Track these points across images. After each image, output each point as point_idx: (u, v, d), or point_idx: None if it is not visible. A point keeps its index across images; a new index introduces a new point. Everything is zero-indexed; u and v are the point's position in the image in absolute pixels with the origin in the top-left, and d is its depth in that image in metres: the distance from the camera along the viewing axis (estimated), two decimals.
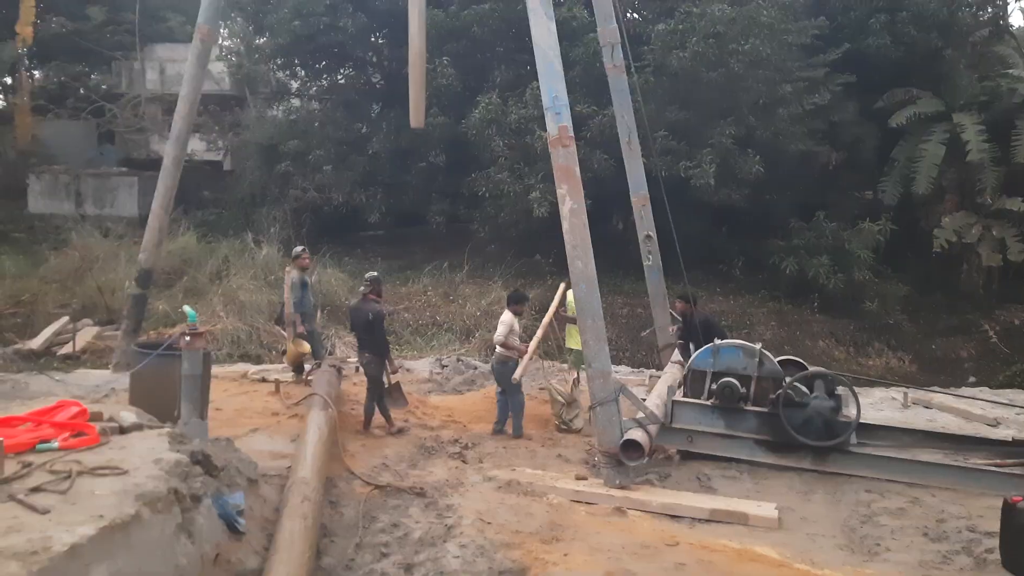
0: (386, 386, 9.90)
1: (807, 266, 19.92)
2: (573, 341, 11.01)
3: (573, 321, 10.46)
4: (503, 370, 9.84)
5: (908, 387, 12.95)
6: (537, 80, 9.51)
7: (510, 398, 9.96)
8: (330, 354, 13.50)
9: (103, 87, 30.41)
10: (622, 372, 13.58)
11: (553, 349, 12.04)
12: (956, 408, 11.59)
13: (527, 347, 9.95)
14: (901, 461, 8.50)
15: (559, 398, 10.21)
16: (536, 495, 7.68)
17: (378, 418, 9.72)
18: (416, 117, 11.27)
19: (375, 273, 10.30)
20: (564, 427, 10.24)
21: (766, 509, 7.36)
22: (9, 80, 30.62)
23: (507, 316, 9.96)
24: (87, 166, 28.23)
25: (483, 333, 17.80)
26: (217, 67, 25.64)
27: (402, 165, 23.12)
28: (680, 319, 11.92)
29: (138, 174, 27.11)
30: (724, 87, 19.56)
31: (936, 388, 13.53)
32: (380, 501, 7.38)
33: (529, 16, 8.33)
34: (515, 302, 10.25)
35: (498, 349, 9.98)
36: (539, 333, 10.40)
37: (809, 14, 21.72)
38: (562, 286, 10.92)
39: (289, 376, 11.66)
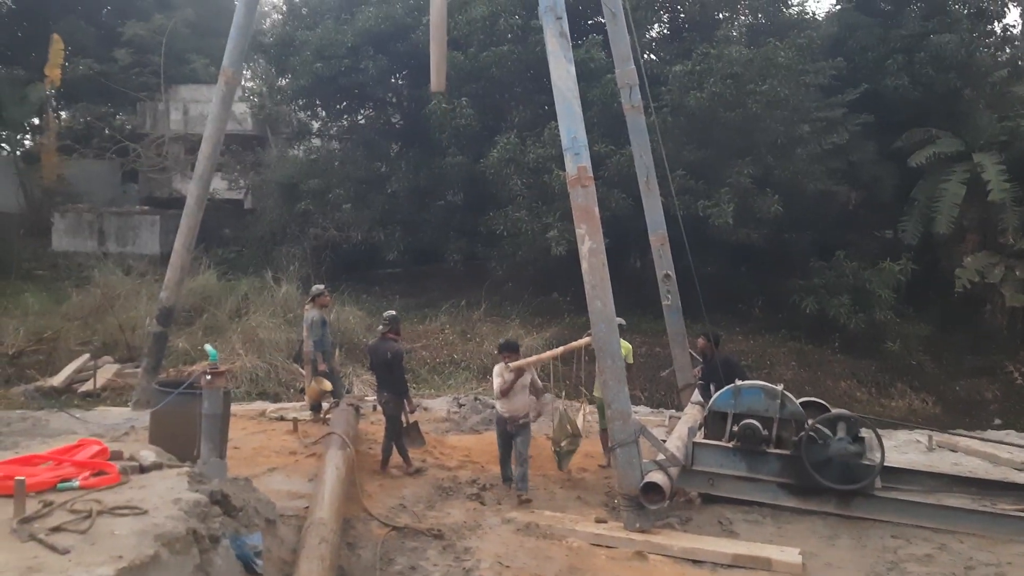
0: (404, 425, 9.86)
1: (827, 306, 19.78)
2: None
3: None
4: (523, 432, 9.05)
5: (932, 430, 12.74)
6: (555, 120, 9.59)
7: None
8: (348, 392, 13.48)
9: (128, 127, 30.91)
10: (641, 412, 13.47)
11: (571, 389, 11.97)
12: (982, 452, 11.39)
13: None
14: (927, 506, 8.35)
15: (567, 426, 9.40)
16: (555, 538, 7.59)
17: (396, 458, 9.67)
18: (437, 81, 11.17)
19: (393, 312, 10.30)
20: (555, 452, 9.55)
21: (790, 554, 7.23)
22: (37, 120, 31.16)
23: (498, 367, 9.23)
24: (110, 204, 28.61)
25: None
26: (240, 108, 26.07)
27: (420, 203, 23.30)
28: (701, 358, 11.84)
29: (160, 212, 27.44)
30: (742, 127, 19.63)
31: (961, 431, 13.31)
32: (398, 543, 7.32)
33: (548, 59, 8.42)
34: (506, 351, 9.28)
35: (499, 408, 9.14)
36: (546, 354, 10.08)
37: (826, 55, 21.86)
38: (589, 338, 9.42)
39: (307, 415, 11.64)
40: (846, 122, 21.75)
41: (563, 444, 9.33)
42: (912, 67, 22.06)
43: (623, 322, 9.91)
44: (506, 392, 9.01)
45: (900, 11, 24.09)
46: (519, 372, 9.02)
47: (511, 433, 9.07)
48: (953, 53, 21.86)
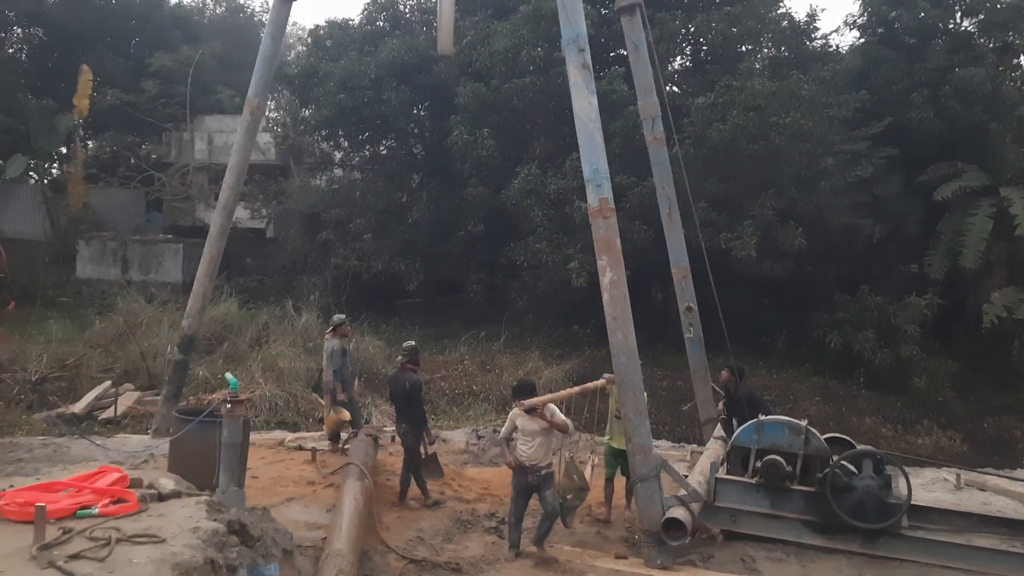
0: (423, 457, 9.78)
1: (852, 340, 19.56)
2: (618, 440, 9.16)
3: (617, 416, 8.94)
4: (548, 483, 8.12)
5: (960, 468, 12.48)
6: (576, 151, 9.62)
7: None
8: (367, 423, 13.43)
9: (153, 156, 31.40)
10: (663, 447, 13.29)
11: (592, 422, 11.83)
12: (1012, 491, 11.12)
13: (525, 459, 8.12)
14: (956, 546, 8.15)
15: (573, 477, 8.43)
16: (574, 574, 7.48)
17: (414, 489, 9.59)
18: (444, 43, 11.01)
19: (413, 342, 10.28)
20: (559, 504, 8.39)
21: None
22: (64, 149, 31.72)
23: (512, 412, 8.36)
24: (134, 233, 28.97)
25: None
26: (263, 138, 26.41)
27: (441, 234, 23.38)
28: (723, 392, 11.70)
29: (183, 241, 27.73)
30: (765, 159, 19.58)
31: (990, 469, 13.04)
32: None
33: (571, 90, 8.45)
34: (520, 396, 8.29)
35: (519, 456, 8.10)
36: (561, 392, 9.17)
37: (850, 88, 21.86)
38: (604, 380, 9.16)
39: (326, 445, 11.60)
40: (870, 155, 21.66)
41: (568, 497, 8.33)
42: (937, 101, 22.00)
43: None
44: (510, 438, 8.23)
45: (925, 45, 24.05)
46: (536, 412, 8.06)
47: (533, 485, 8.02)
48: (979, 87, 21.77)
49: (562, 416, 8.24)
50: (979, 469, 12.76)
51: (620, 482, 9.37)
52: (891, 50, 24.00)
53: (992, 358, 22.07)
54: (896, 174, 22.26)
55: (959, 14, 24.95)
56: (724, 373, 11.56)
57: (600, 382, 9.29)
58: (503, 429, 8.48)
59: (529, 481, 8.01)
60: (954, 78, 22.11)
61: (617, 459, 9.19)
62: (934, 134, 22.16)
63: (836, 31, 79.88)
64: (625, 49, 12.89)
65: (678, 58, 24.25)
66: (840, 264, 22.03)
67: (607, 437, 9.60)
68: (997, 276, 21.97)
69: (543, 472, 8.04)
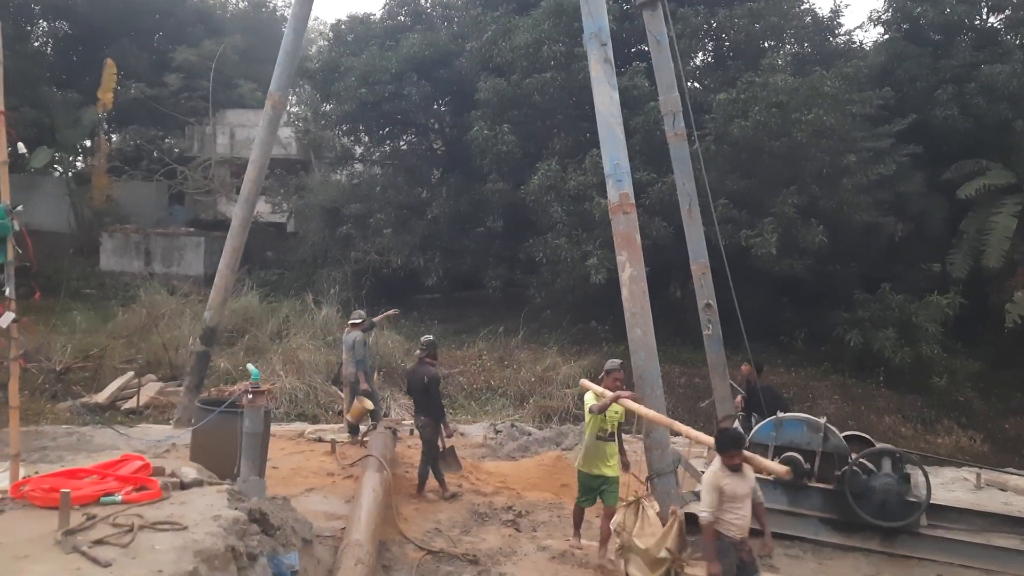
0: (441, 450, 9.84)
1: (872, 339, 19.39)
2: (596, 463, 7.96)
3: (600, 437, 7.86)
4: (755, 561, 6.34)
5: (981, 467, 12.39)
6: (596, 147, 9.61)
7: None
8: (385, 416, 13.52)
9: (176, 150, 31.62)
10: (680, 443, 13.28)
11: None
12: None
13: None
14: (975, 545, 8.12)
15: (668, 540, 6.65)
16: (591, 567, 7.49)
17: (432, 482, 9.65)
18: None
19: (431, 337, 10.33)
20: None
21: None
22: (89, 143, 32.04)
23: (714, 471, 6.13)
24: (157, 226, 29.23)
25: (537, 399, 17.69)
26: (285, 132, 26.50)
27: (460, 230, 23.42)
28: (741, 389, 11.67)
29: (205, 234, 27.95)
30: (787, 156, 19.45)
31: (1011, 469, 12.92)
32: (433, 567, 7.29)
33: (592, 85, 8.45)
34: (731, 446, 6.15)
35: (731, 527, 6.03)
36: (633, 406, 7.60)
37: (874, 84, 21.64)
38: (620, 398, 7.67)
39: (345, 436, 11.69)
40: (894, 153, 21.45)
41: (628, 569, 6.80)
42: (962, 97, 21.74)
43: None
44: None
45: (950, 41, 23.77)
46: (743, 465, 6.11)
47: (750, 567, 6.14)
48: (1005, 84, 21.48)
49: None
50: (1001, 469, 12.66)
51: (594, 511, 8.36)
52: (916, 46, 23.75)
53: (1014, 358, 21.81)
54: (919, 172, 22.04)
55: (985, 10, 24.64)
56: (744, 367, 11.54)
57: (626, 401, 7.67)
58: (706, 502, 6.04)
59: (744, 559, 6.07)
60: (979, 75, 21.84)
61: (593, 485, 7.93)
62: (958, 131, 21.90)
63: (860, 27, 78.10)
64: (646, 45, 12.84)
65: (700, 54, 24.13)
66: (861, 262, 21.84)
67: (580, 463, 8.10)
68: (1020, 275, 21.66)
69: (748, 546, 6.18)
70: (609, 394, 7.60)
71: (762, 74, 19.79)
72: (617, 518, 7.29)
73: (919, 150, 21.71)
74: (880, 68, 23.38)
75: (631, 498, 7.30)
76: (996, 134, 22.20)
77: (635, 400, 7.60)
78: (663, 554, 6.50)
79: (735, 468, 6.03)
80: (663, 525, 6.75)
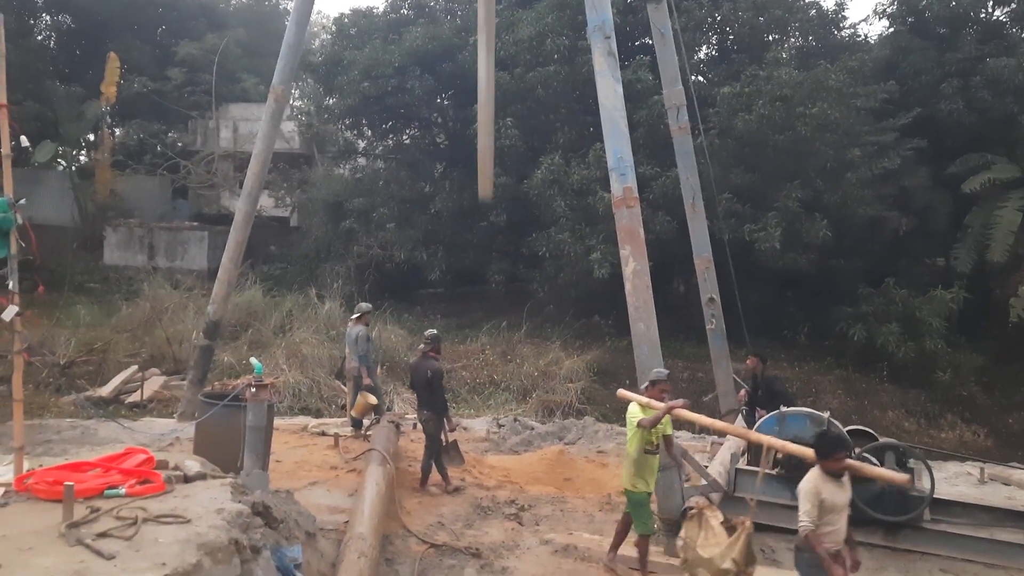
0: (444, 444, 9.85)
1: (876, 334, 19.35)
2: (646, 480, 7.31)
3: (649, 450, 7.23)
4: None
5: (985, 462, 12.36)
6: (600, 141, 9.60)
7: None
8: (388, 410, 13.54)
9: (179, 144, 31.67)
10: (683, 437, 13.28)
11: (610, 413, 11.83)
12: None
13: None
14: (979, 540, 8.09)
15: (701, 556, 6.38)
16: (594, 561, 7.50)
17: (435, 476, 9.66)
18: (484, 188, 11.29)
19: (435, 331, 10.34)
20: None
21: None
22: (92, 137, 32.06)
23: (813, 479, 5.58)
24: (160, 220, 29.28)
25: (540, 393, 17.70)
26: (288, 126, 26.55)
27: (464, 224, 23.41)
28: (744, 384, 11.66)
29: (208, 228, 27.98)
30: (791, 150, 19.40)
31: (1015, 464, 12.89)
32: (435, 560, 7.30)
33: (596, 78, 8.43)
34: (837, 449, 5.69)
35: (827, 539, 5.51)
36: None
37: (879, 78, 21.58)
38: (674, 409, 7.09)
39: (348, 431, 11.70)
40: (898, 147, 21.39)
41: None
42: (968, 91, 21.65)
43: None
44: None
45: (956, 34, 23.67)
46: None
47: None
48: (1010, 77, 21.37)
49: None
50: (1005, 463, 12.63)
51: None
52: (921, 39, 23.66)
53: (1018, 352, 21.75)
54: (924, 166, 21.97)
55: (991, 3, 24.53)
56: (749, 360, 11.52)
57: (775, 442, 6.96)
58: (804, 511, 5.46)
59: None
60: (985, 68, 21.74)
61: (645, 501, 7.32)
62: (964, 125, 21.82)
63: (865, 20, 78.94)
64: (651, 38, 12.81)
65: (704, 47, 24.11)
66: (865, 257, 21.79)
67: (630, 483, 7.27)
68: None
69: (843, 558, 5.65)
70: (659, 405, 7.05)
71: (766, 68, 19.74)
72: (682, 533, 6.73)
73: (924, 144, 21.63)
74: (885, 62, 23.32)
75: (692, 509, 6.75)
76: (1001, 128, 22.11)
77: (687, 408, 7.12)
78: (728, 564, 6.19)
79: (837, 475, 5.50)
80: (728, 535, 6.38)
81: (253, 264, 23.14)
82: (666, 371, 7.55)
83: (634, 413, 7.14)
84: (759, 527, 8.53)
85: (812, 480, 5.54)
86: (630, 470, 7.21)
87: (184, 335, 18.39)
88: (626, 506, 7.43)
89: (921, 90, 22.38)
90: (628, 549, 7.47)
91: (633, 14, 20.79)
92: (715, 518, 6.55)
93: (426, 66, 23.43)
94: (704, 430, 11.86)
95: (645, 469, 7.20)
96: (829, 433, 6.28)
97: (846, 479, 5.62)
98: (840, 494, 5.54)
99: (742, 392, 11.73)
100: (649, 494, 7.32)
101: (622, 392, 7.80)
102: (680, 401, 7.14)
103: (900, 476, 6.26)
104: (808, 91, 19.04)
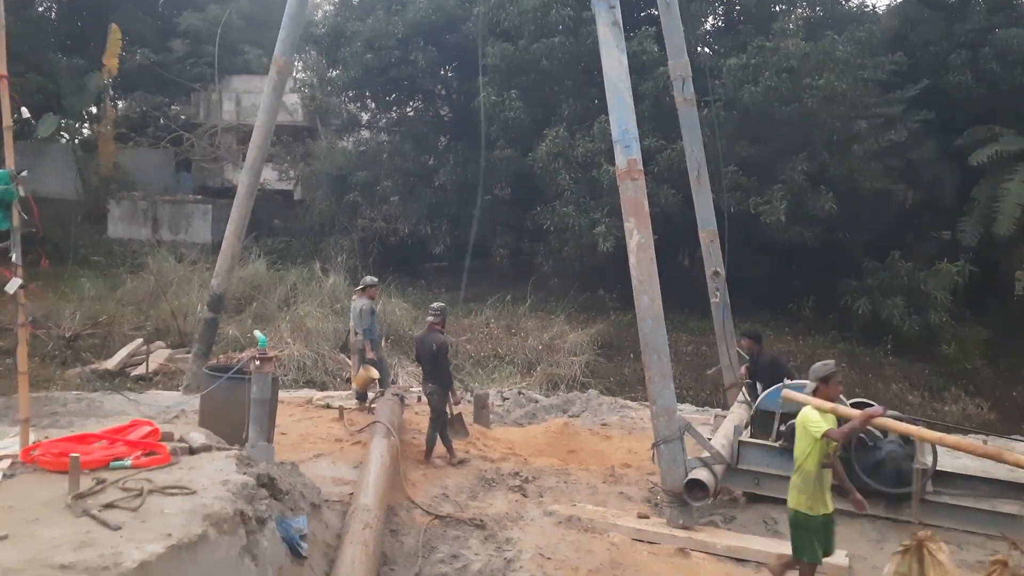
0: (449, 417, 9.88)
1: (880, 307, 19.34)
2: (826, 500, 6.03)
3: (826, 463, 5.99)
4: None
5: (988, 435, 12.36)
6: (605, 114, 9.51)
7: None
8: (394, 383, 13.58)
9: (182, 117, 31.55)
10: (687, 410, 13.31)
11: (613, 386, 11.85)
12: None
13: None
14: (980, 511, 8.12)
15: None
16: (597, 532, 7.53)
17: (439, 448, 9.70)
18: None
19: (442, 303, 10.33)
20: None
21: (836, 557, 7.05)
22: (95, 109, 31.93)
23: None
24: (164, 193, 29.20)
25: (544, 367, 17.75)
26: (291, 99, 26.37)
27: (468, 198, 23.32)
28: (747, 357, 11.64)
29: (212, 202, 27.91)
30: (797, 122, 19.27)
31: (1018, 437, 12.91)
32: (440, 531, 7.34)
33: (600, 48, 8.33)
34: None
35: None
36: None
37: (886, 49, 21.39)
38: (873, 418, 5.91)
39: (353, 403, 11.74)
40: (905, 119, 21.25)
41: None
42: (976, 62, 21.46)
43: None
44: None
45: (965, 5, 23.42)
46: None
47: None
48: (1020, 48, 21.15)
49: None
50: (1007, 436, 12.64)
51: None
52: (930, 10, 23.41)
53: (1023, 326, 21.78)
54: (931, 138, 21.83)
55: None
56: (744, 342, 11.50)
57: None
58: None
59: None
60: (994, 39, 21.52)
61: (818, 526, 5.99)
62: (972, 97, 21.65)
63: None
64: (656, 8, 12.69)
65: (710, 18, 23.87)
66: (871, 230, 21.73)
67: (796, 504, 6.03)
68: None
69: None
70: (849, 411, 5.99)
71: (773, 39, 19.55)
72: (889, 569, 5.67)
73: (931, 116, 21.49)
74: (893, 32, 23.10)
75: (907, 542, 5.66)
76: (1010, 100, 21.92)
77: (884, 416, 5.94)
78: None
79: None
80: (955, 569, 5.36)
81: (257, 237, 23.13)
82: (832, 361, 6.51)
83: (813, 420, 5.85)
84: (761, 498, 8.60)
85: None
86: (806, 490, 5.91)
87: (188, 308, 18.45)
88: (791, 535, 6.17)
89: (929, 61, 22.18)
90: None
91: None
92: (941, 551, 5.48)
93: (430, 37, 23.24)
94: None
95: (821, 487, 5.91)
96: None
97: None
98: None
99: (744, 368, 11.72)
100: (827, 516, 5.99)
101: (788, 394, 6.87)
102: (879, 408, 6.00)
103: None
104: (815, 62, 18.88)
